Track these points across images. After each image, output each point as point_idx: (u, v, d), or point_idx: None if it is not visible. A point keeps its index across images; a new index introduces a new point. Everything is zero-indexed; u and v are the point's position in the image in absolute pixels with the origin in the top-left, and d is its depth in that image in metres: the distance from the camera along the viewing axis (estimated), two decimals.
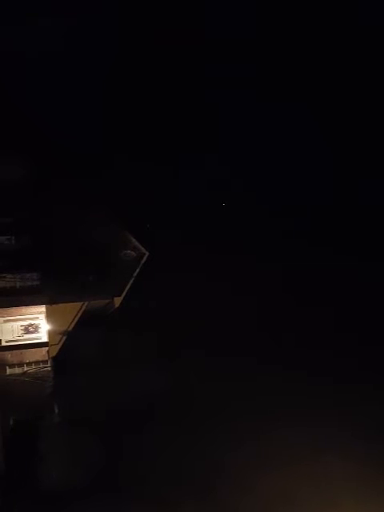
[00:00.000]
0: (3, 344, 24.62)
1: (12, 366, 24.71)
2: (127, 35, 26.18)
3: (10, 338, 25.25)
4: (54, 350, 25.56)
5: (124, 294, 26.16)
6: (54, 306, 25.21)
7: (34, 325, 25.66)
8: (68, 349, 25.43)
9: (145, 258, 26.47)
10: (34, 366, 24.92)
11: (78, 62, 25.49)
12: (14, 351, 24.95)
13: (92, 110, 26.26)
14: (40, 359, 25.15)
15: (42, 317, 25.59)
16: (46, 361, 25.10)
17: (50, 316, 25.42)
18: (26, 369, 24.75)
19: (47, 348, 25.22)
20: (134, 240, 26.52)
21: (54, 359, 25.29)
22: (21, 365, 24.85)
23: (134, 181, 25.65)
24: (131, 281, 26.31)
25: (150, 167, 26.15)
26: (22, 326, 25.56)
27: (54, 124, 25.75)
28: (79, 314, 25.78)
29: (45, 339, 25.41)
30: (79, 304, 25.78)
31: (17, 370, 24.70)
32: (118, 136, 26.20)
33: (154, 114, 27.20)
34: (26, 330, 25.53)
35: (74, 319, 25.74)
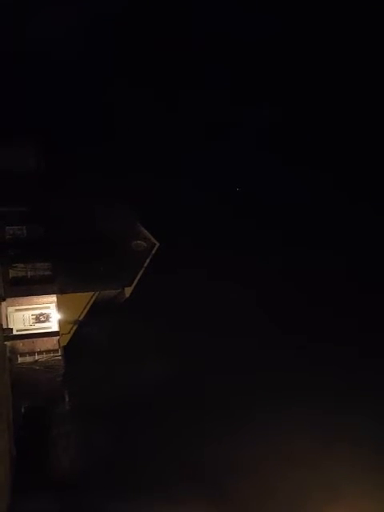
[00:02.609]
0: (14, 333, 24.73)
1: (23, 354, 24.91)
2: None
3: (22, 327, 25.46)
4: (65, 339, 25.76)
5: (134, 284, 26.29)
6: (64, 295, 25.39)
7: (45, 314, 25.86)
8: (78, 338, 25.64)
9: (155, 249, 26.58)
10: (45, 355, 25.11)
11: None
12: (26, 340, 25.13)
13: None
14: (51, 348, 25.34)
15: (53, 306, 25.79)
16: (57, 350, 25.28)
17: (60, 305, 25.62)
18: (37, 357, 24.94)
19: (58, 337, 25.39)
20: (144, 230, 26.62)
21: (65, 348, 25.51)
22: (32, 353, 25.05)
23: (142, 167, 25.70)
24: (142, 271, 26.43)
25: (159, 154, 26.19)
26: (33, 315, 25.77)
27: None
28: (90, 304, 25.98)
29: (56, 328, 25.61)
30: (90, 294, 25.98)
31: (28, 359, 24.91)
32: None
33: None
34: (37, 319, 25.74)
35: (84, 309, 25.94)
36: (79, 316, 25.94)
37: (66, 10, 22.95)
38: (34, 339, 25.21)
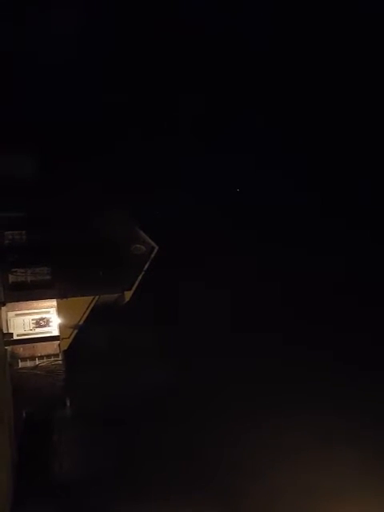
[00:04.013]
0: (15, 338, 24.71)
1: (24, 359, 24.87)
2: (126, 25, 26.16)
3: (22, 332, 25.42)
4: (66, 344, 25.76)
5: (134, 287, 26.30)
6: (64, 300, 25.37)
7: (46, 319, 25.83)
8: (79, 342, 25.65)
9: (155, 252, 26.59)
10: (45, 360, 25.08)
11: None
12: (26, 345, 25.08)
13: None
14: (51, 353, 25.28)
15: (53, 311, 25.77)
16: (58, 354, 25.24)
17: (61, 310, 25.60)
18: (37, 362, 24.89)
19: (58, 342, 25.34)
20: (143, 234, 26.63)
21: (65, 353, 25.50)
22: (33, 358, 25.01)
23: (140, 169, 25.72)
24: (141, 275, 26.43)
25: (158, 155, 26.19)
26: (33, 319, 25.74)
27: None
28: (90, 308, 25.98)
29: (56, 333, 25.55)
30: (90, 298, 25.98)
31: (29, 364, 24.87)
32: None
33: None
34: (38, 324, 25.71)
35: (84, 313, 25.94)
36: (79, 320, 25.94)
37: (66, 13, 22.93)
38: (35, 344, 25.14)
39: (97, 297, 26.03)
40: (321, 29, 28.07)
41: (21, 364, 24.69)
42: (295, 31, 27.99)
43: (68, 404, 23.89)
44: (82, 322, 25.94)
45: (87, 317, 26.00)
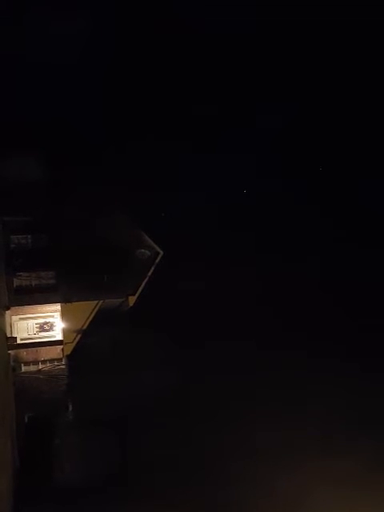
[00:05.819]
0: (18, 342, 24.70)
1: (27, 363, 24.97)
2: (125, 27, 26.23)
3: (26, 336, 25.46)
4: (69, 348, 25.71)
5: (138, 292, 26.27)
6: (68, 304, 25.35)
7: (49, 323, 25.87)
8: (82, 347, 25.61)
9: (159, 257, 26.57)
10: (48, 364, 25.13)
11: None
12: (29, 349, 25.11)
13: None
14: (55, 357, 25.36)
15: (57, 315, 25.81)
16: (61, 359, 25.29)
17: (64, 314, 25.61)
18: (40, 366, 24.97)
19: (62, 346, 25.34)
20: (148, 239, 26.63)
21: (68, 357, 25.46)
22: (36, 362, 25.11)
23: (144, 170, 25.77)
24: (146, 280, 26.40)
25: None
26: (37, 324, 25.79)
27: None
28: (94, 313, 25.94)
29: (59, 337, 25.57)
30: (94, 303, 25.91)
31: (32, 368, 24.97)
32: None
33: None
34: (41, 328, 25.75)
35: (88, 318, 25.89)
36: (83, 325, 25.88)
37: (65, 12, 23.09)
38: (38, 348, 25.22)
39: (101, 301, 25.97)
40: (323, 27, 27.96)
41: (24, 368, 24.78)
42: (296, 30, 27.92)
43: (70, 408, 23.84)
44: (85, 326, 25.87)
45: (91, 321, 25.92)
